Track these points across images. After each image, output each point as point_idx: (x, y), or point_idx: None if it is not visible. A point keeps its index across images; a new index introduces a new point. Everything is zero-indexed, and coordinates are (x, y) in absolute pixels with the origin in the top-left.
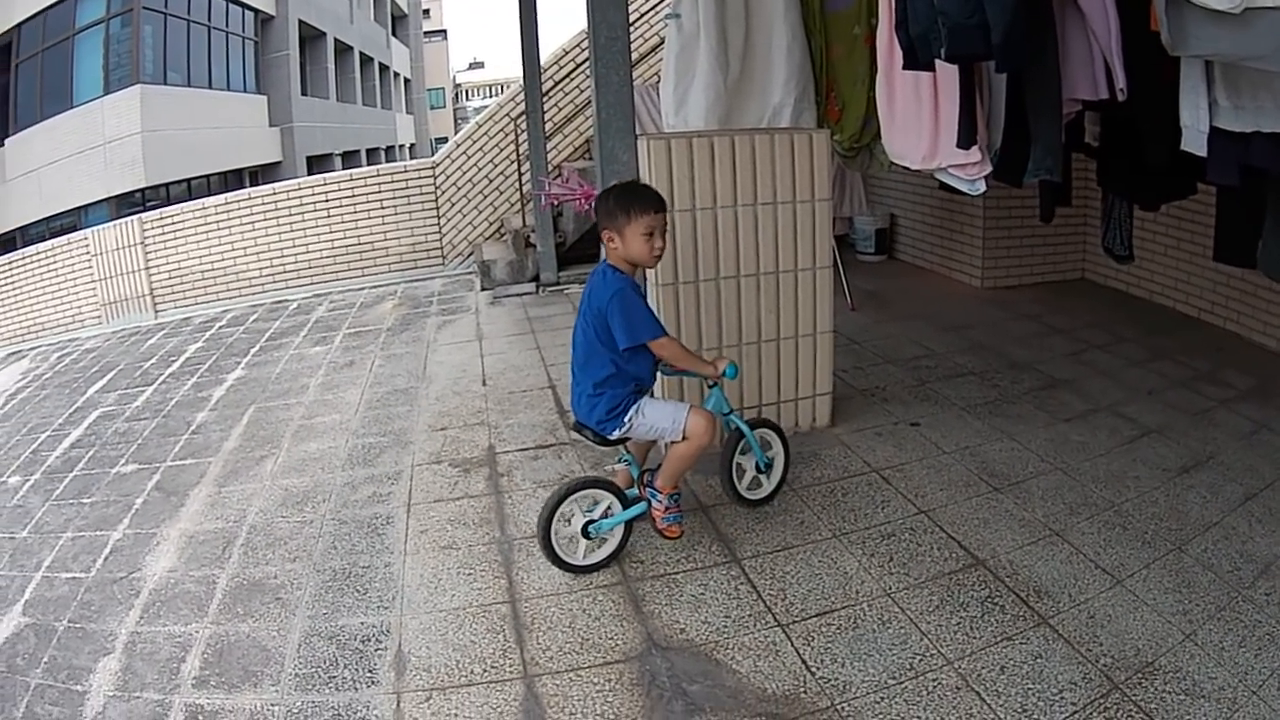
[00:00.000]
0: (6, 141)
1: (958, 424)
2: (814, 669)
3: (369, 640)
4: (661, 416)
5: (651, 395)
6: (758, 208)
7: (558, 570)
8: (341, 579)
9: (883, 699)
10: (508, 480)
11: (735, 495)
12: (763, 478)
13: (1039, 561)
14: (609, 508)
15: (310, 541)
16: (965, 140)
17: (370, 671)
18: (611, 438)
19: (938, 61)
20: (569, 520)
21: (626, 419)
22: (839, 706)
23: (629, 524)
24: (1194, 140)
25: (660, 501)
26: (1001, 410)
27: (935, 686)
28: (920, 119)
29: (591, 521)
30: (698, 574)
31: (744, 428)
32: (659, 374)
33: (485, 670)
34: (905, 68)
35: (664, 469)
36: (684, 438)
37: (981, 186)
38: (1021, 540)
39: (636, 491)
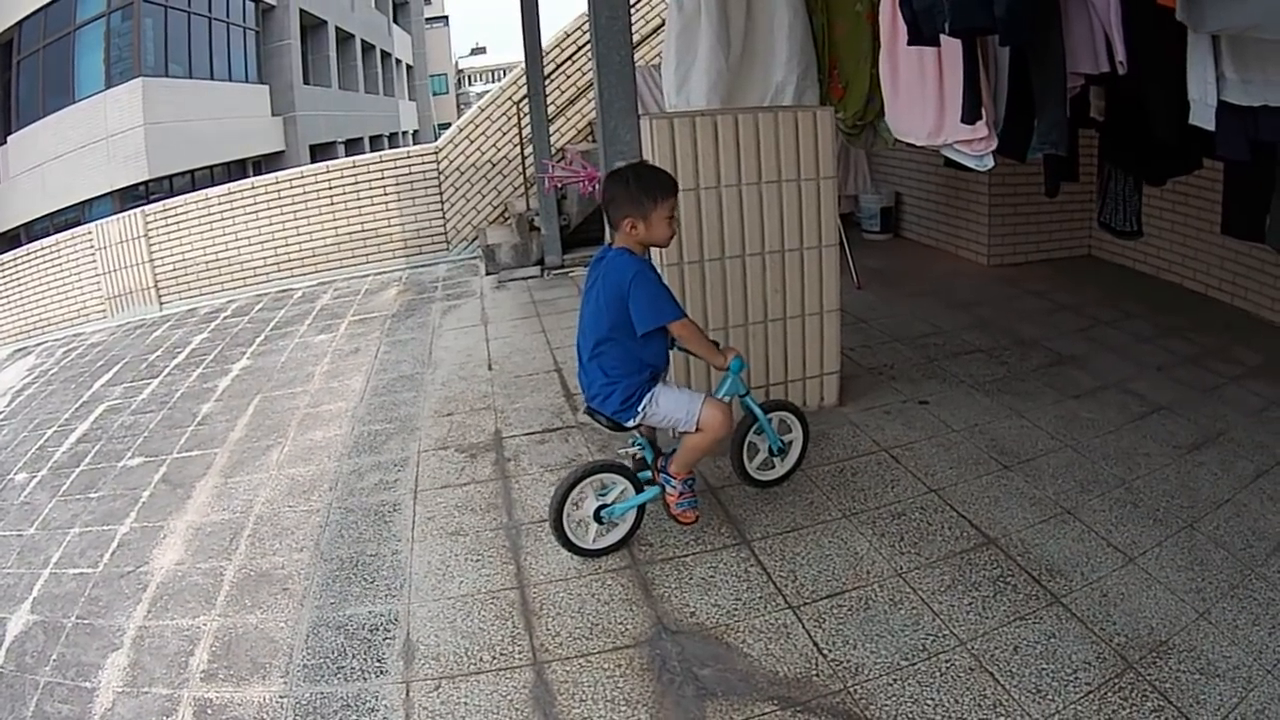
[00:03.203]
0: (9, 138)
1: (967, 401)
2: (826, 651)
3: (377, 629)
4: (676, 407)
5: (666, 382)
6: (762, 186)
7: (567, 555)
8: (349, 568)
9: (895, 681)
10: (515, 465)
11: (744, 475)
12: (776, 460)
13: (1050, 540)
14: (622, 492)
15: (317, 531)
16: (970, 115)
17: (379, 661)
18: (627, 426)
19: (942, 36)
20: (580, 504)
21: (641, 408)
22: (851, 689)
23: (641, 508)
24: (1202, 114)
25: (675, 487)
26: (1010, 387)
27: (948, 668)
28: (925, 95)
29: (604, 506)
30: (707, 556)
31: (757, 411)
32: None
33: (494, 658)
34: (910, 43)
35: (679, 455)
36: (698, 429)
37: (990, 162)
38: (1033, 518)
39: (649, 475)
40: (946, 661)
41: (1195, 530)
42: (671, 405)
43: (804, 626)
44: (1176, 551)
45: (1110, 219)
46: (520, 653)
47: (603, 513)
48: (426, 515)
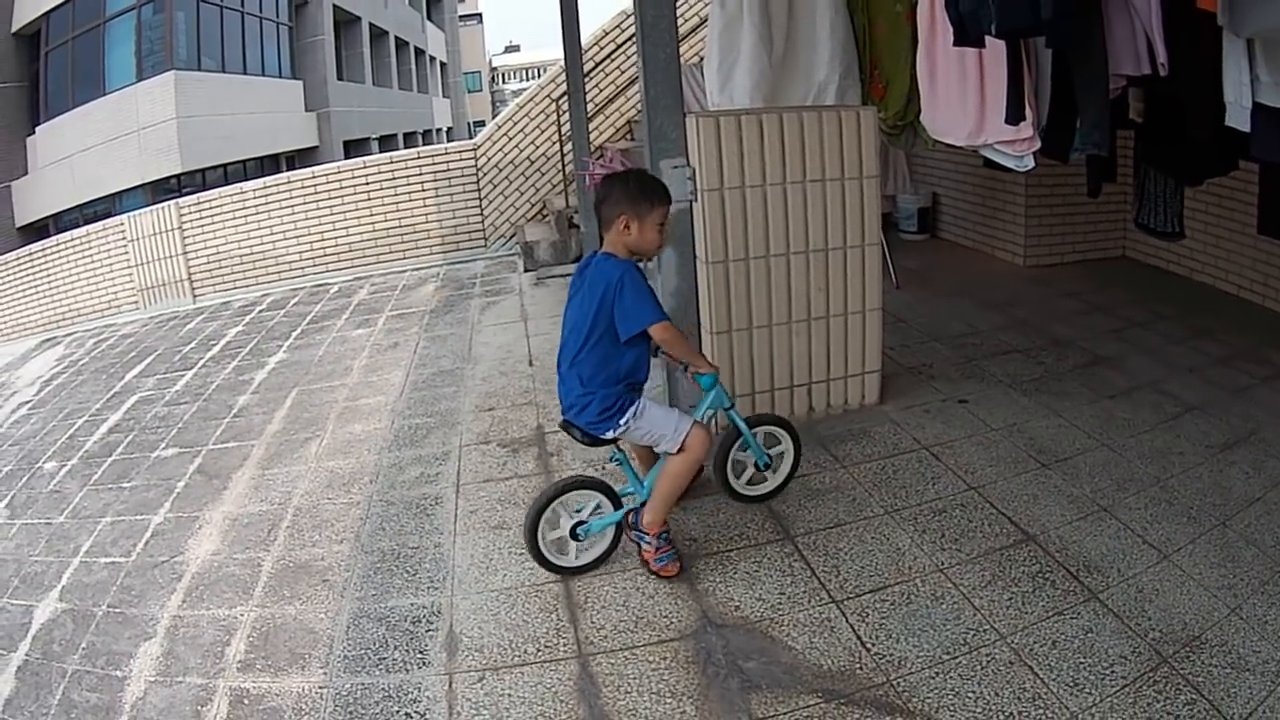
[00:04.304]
0: (37, 129)
1: (1005, 401)
2: (869, 645)
3: (419, 621)
4: (664, 422)
5: (652, 397)
6: (806, 185)
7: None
8: (390, 560)
9: (937, 674)
10: (558, 460)
11: (730, 491)
12: (767, 474)
13: (1088, 537)
14: (598, 507)
15: (357, 523)
16: (1014, 116)
17: (421, 653)
18: (604, 438)
19: (986, 38)
20: (556, 524)
21: (624, 421)
22: (894, 682)
23: (619, 526)
24: (1238, 116)
25: (650, 544)
26: (1047, 387)
27: (989, 661)
28: (965, 95)
29: (581, 523)
30: (751, 551)
31: (741, 425)
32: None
33: (539, 650)
34: (955, 44)
35: (655, 498)
36: (681, 449)
37: (1030, 163)
38: (1070, 516)
39: (630, 490)
40: (987, 655)
41: (1227, 528)
42: (659, 420)
43: (847, 620)
44: (1209, 549)
45: (1149, 220)
46: (565, 645)
47: (579, 530)
48: (469, 509)
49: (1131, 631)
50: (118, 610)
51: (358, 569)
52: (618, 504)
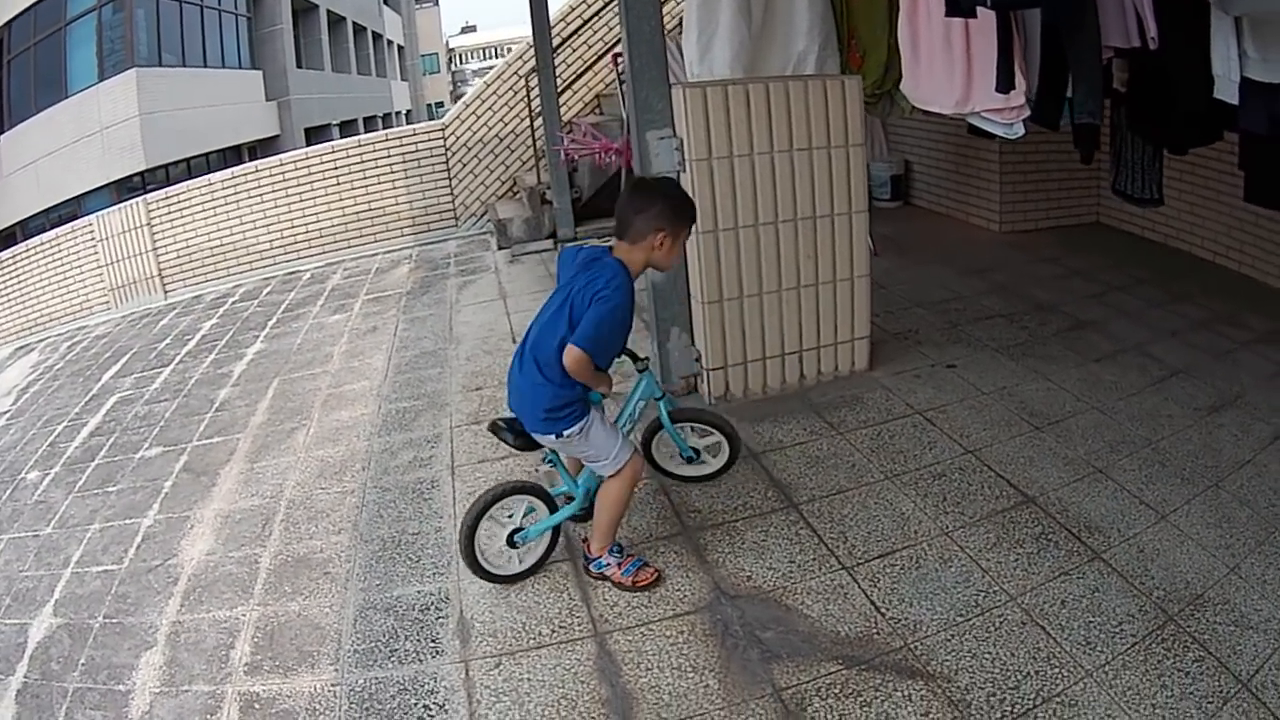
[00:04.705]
0: (1, 138)
1: (992, 365)
2: (883, 610)
3: (428, 609)
4: (605, 446)
5: (600, 415)
6: (793, 154)
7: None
8: (391, 548)
9: (953, 636)
10: None
11: (653, 464)
12: (678, 460)
13: (1086, 498)
14: (533, 513)
15: (354, 512)
16: (1004, 84)
17: (433, 641)
18: (542, 440)
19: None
20: (492, 535)
21: (569, 432)
22: (912, 646)
23: (556, 529)
24: (1225, 89)
25: (609, 564)
26: (1033, 351)
27: (1001, 622)
28: (951, 64)
29: (517, 530)
30: (756, 521)
31: (665, 420)
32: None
33: (554, 631)
34: (947, 14)
35: (597, 528)
36: (617, 474)
37: (1020, 130)
38: (1067, 477)
39: (564, 490)
40: (999, 616)
41: (1221, 489)
42: (602, 443)
43: (859, 586)
44: (1205, 509)
45: (1127, 186)
46: (580, 624)
47: (516, 537)
48: (467, 490)
49: (1137, 590)
50: (115, 620)
51: (359, 559)
52: (553, 507)
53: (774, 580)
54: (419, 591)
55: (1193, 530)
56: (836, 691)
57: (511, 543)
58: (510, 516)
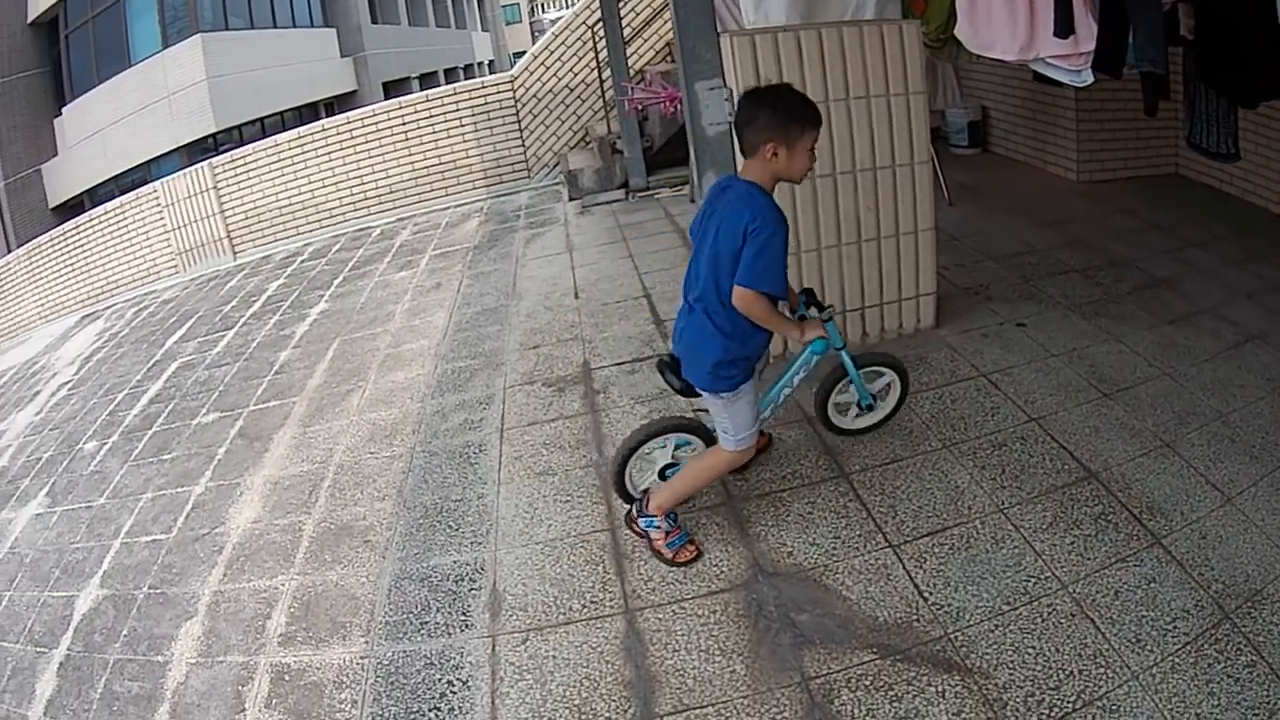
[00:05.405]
0: (64, 110)
1: (1064, 324)
2: (926, 594)
3: (462, 580)
4: (744, 422)
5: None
6: (850, 103)
7: None
8: (433, 515)
9: (996, 627)
10: (604, 398)
11: (827, 423)
12: (855, 411)
13: (1150, 475)
14: (694, 450)
15: (399, 477)
16: (1063, 29)
17: (464, 614)
18: (700, 391)
19: None
20: (652, 458)
21: (728, 393)
22: (951, 636)
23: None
24: None
25: (659, 527)
26: (1106, 310)
27: (1050, 613)
28: (1013, 8)
29: (671, 465)
30: (804, 491)
31: (851, 369)
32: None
33: (584, 606)
34: None
35: (668, 489)
36: (732, 450)
37: (1088, 77)
38: (1133, 451)
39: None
40: (1048, 606)
41: None
42: (742, 418)
43: (904, 567)
44: (1272, 492)
45: (1202, 139)
46: (611, 600)
47: (669, 472)
48: (513, 455)
49: (1195, 582)
50: (159, 591)
51: (400, 527)
52: (710, 442)
53: (815, 557)
54: (455, 561)
55: (1258, 516)
56: (867, 684)
57: (663, 476)
58: (673, 449)
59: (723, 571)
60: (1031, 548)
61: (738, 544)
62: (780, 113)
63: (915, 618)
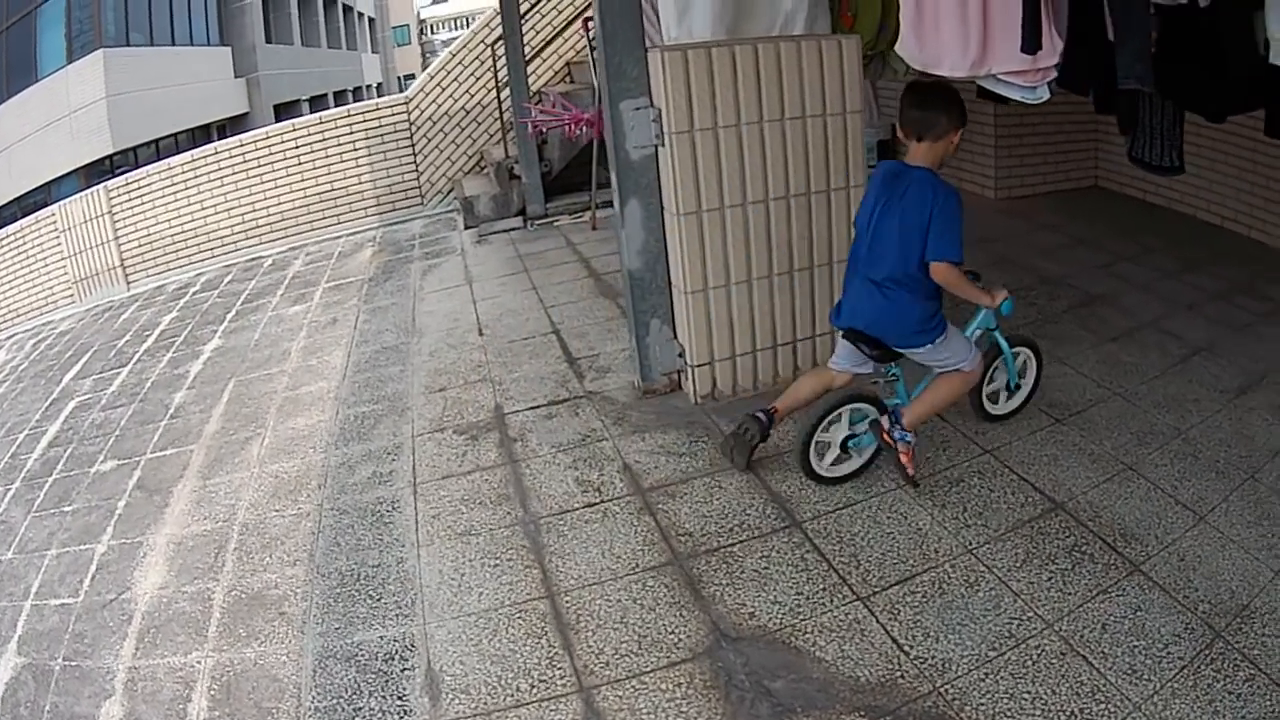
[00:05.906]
0: None
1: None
2: (906, 648)
3: (392, 658)
4: (964, 349)
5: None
6: (785, 123)
7: (595, 554)
8: (350, 583)
9: (987, 675)
10: (522, 446)
11: (981, 410)
12: (1004, 395)
13: (1118, 500)
14: (873, 424)
15: (309, 539)
16: (1031, 44)
17: (400, 699)
18: (907, 352)
19: None
20: (832, 430)
21: (938, 340)
22: (942, 690)
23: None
24: None
25: (911, 442)
26: (1044, 331)
27: (1039, 655)
28: (965, 22)
29: (852, 436)
30: (756, 544)
31: (1004, 345)
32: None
33: (533, 685)
34: None
35: (921, 405)
36: (970, 369)
37: (1044, 94)
38: (1096, 478)
39: (896, 403)
40: (1036, 647)
41: (1258, 481)
42: (960, 346)
43: (878, 620)
44: (1243, 505)
45: (1145, 154)
46: (562, 677)
47: (850, 442)
48: (430, 513)
49: (1180, 605)
50: (74, 664)
51: (315, 597)
52: (881, 410)
53: (780, 617)
54: (381, 637)
55: (1233, 531)
56: None
57: (844, 446)
58: (857, 421)
59: (680, 640)
60: (1008, 588)
61: (692, 608)
62: (960, 104)
63: (899, 674)
